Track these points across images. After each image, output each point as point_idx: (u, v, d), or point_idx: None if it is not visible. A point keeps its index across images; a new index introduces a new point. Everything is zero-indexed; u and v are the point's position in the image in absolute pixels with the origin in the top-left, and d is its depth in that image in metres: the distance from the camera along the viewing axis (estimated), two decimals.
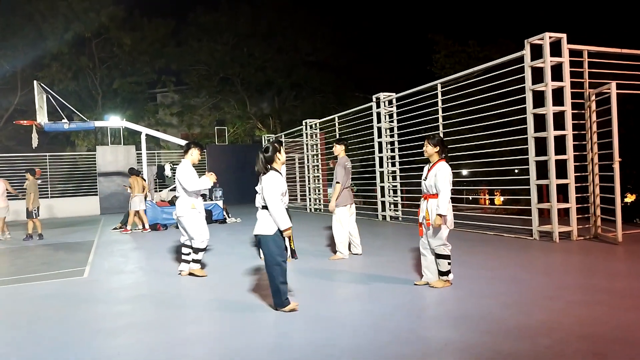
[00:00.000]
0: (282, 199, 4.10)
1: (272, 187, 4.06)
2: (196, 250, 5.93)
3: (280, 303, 4.15)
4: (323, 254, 7.22)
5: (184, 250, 6.06)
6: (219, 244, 8.68)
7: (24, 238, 10.73)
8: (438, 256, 4.81)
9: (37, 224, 10.84)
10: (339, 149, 6.84)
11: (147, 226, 11.36)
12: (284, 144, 4.46)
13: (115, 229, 12.06)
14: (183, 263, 6.08)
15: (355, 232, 6.89)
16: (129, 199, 11.80)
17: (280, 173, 4.23)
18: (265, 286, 4.85)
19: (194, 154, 5.98)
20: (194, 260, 5.98)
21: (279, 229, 4.07)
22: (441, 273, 4.84)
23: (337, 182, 6.57)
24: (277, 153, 4.21)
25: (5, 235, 11.37)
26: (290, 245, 4.46)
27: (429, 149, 4.82)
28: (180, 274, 6.05)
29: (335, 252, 6.84)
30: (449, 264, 4.81)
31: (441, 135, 9.72)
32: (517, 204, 12.39)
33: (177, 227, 11.96)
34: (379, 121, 11.70)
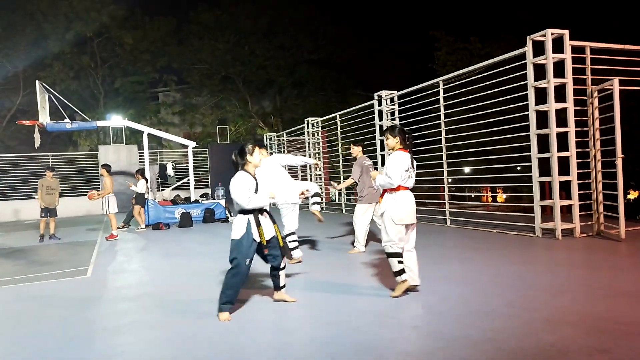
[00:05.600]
0: (249, 196, 4.04)
1: (234, 187, 4.06)
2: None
3: (220, 306, 4.06)
4: (323, 252, 7.23)
5: (294, 237, 6.43)
6: (221, 243, 8.67)
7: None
8: (386, 254, 4.43)
9: (41, 225, 10.81)
10: (356, 150, 7.36)
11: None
12: (261, 146, 4.35)
13: (117, 228, 12.06)
14: (297, 250, 6.47)
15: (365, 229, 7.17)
16: (131, 198, 11.84)
17: (252, 175, 4.17)
18: (268, 286, 4.86)
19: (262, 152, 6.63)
20: (293, 248, 6.39)
21: (246, 234, 4.03)
22: (394, 273, 4.41)
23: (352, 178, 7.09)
24: (248, 155, 4.16)
25: None
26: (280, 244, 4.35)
27: (390, 141, 4.48)
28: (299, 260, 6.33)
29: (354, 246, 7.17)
30: (400, 262, 4.34)
31: (443, 133, 9.80)
32: (520, 201, 12.37)
33: (180, 226, 12.02)
34: (380, 119, 11.68)
